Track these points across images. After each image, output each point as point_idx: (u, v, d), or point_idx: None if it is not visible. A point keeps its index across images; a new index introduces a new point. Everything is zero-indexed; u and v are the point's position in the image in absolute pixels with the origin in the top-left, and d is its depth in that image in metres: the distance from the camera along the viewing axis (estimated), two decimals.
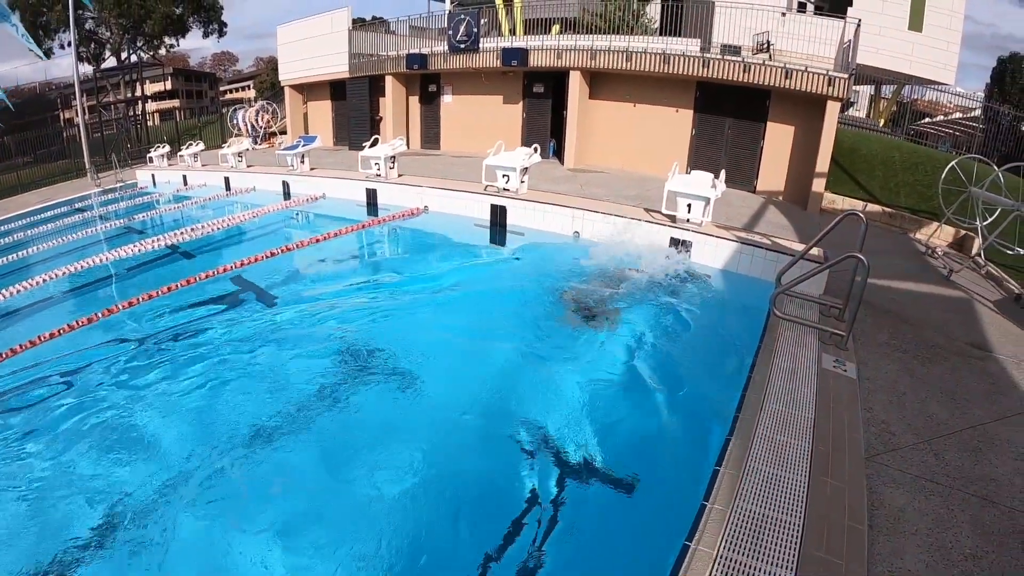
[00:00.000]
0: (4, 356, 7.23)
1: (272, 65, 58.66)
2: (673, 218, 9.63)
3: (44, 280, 10.46)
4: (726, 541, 3.45)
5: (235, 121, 27.20)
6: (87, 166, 24.34)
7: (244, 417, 5.71)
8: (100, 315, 8.32)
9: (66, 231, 15.28)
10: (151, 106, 54.08)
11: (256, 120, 26.28)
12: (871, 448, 4.43)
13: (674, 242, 9.37)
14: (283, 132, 25.73)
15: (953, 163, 9.88)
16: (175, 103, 59.05)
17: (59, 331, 7.81)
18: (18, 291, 9.98)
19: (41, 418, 6.02)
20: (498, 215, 11.61)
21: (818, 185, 12.41)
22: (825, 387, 5.23)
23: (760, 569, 3.25)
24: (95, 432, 5.67)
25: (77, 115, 26.99)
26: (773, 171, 13.58)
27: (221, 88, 71.93)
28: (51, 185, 24.32)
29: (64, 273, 10.87)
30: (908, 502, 3.90)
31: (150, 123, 43.63)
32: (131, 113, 40.69)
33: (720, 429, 4.73)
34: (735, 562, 3.30)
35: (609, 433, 5.37)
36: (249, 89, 62.10)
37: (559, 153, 16.85)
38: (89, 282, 10.82)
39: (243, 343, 7.50)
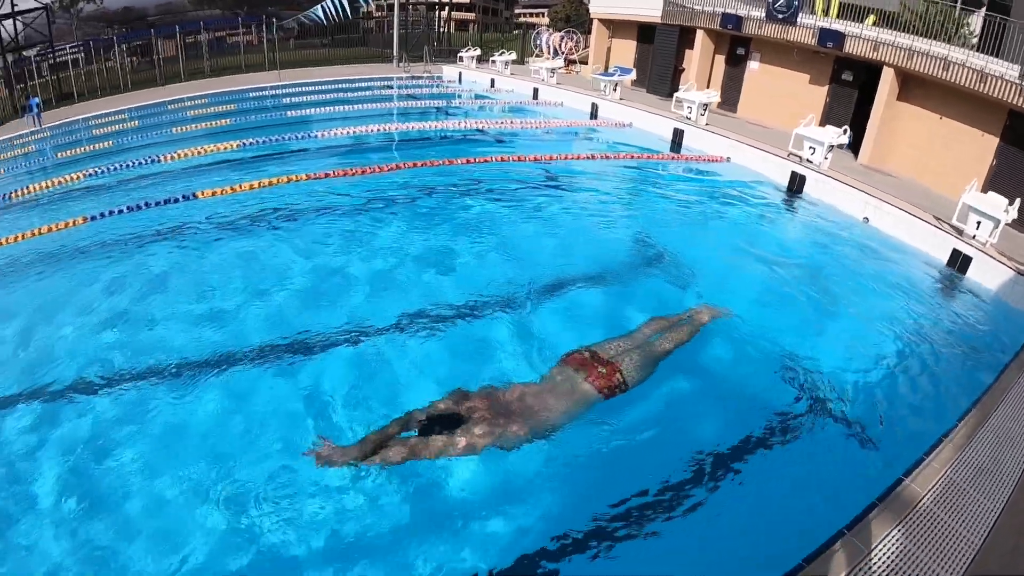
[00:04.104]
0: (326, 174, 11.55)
1: None
2: (960, 231, 9.91)
3: (358, 131, 15.15)
4: (952, 466, 4.72)
5: (538, 42, 29.53)
6: (395, 54, 28.92)
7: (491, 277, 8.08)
8: (401, 165, 12.22)
9: (387, 99, 20.45)
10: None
11: (560, 45, 28.38)
12: None
13: (956, 253, 9.74)
14: (583, 62, 27.41)
15: None
16: (471, 15, 63.71)
17: (368, 169, 11.94)
18: (338, 134, 14.75)
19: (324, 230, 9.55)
20: (796, 182, 12.50)
21: None
22: None
23: (974, 498, 4.43)
24: (364, 250, 8.84)
25: (381, 11, 31.44)
26: None
27: (516, 11, 76.77)
28: (356, 64, 29.34)
29: (393, 129, 15.79)
30: None
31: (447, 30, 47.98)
32: (432, 16, 44.74)
33: (967, 398, 5.88)
34: (954, 482, 4.55)
35: (853, 378, 6.50)
36: (543, 16, 64.94)
37: (854, 147, 16.61)
38: (396, 140, 15.11)
39: (524, 220, 10.30)
